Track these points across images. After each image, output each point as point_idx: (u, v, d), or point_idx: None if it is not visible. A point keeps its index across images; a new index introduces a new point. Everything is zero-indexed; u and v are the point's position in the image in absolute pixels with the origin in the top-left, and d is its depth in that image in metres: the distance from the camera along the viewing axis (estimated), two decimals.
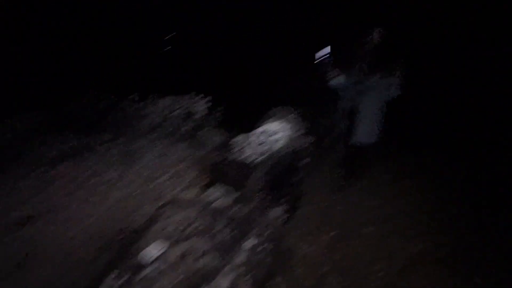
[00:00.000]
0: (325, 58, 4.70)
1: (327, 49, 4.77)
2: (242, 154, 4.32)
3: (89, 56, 9.72)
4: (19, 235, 3.51)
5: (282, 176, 3.80)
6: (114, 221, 3.77)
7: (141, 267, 1.93)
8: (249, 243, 2.46)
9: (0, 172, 4.95)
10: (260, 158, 4.17)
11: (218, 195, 3.57)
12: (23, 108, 7.09)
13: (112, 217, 3.87)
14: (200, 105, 6.78)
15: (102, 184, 4.65)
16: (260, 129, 4.80)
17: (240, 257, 2.30)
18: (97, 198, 4.31)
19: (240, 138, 4.62)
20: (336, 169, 5.09)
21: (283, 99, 6.52)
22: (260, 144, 4.34)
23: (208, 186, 4.46)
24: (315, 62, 4.72)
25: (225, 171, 4.36)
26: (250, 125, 5.35)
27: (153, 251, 2.01)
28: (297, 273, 2.79)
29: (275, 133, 4.64)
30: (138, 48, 11.56)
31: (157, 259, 1.97)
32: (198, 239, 2.23)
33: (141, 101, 6.89)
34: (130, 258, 1.98)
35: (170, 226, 2.28)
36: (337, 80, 4.74)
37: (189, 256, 2.09)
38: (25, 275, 2.95)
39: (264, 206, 3.15)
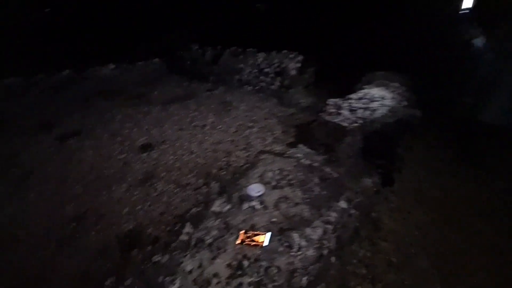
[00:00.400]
0: (463, 13, 3.69)
1: (469, 2, 3.73)
2: (336, 117, 4.15)
3: (197, 13, 10.49)
4: (143, 158, 4.46)
5: (378, 146, 3.52)
6: (213, 159, 4.33)
7: (243, 201, 2.23)
8: (338, 205, 2.48)
9: (131, 106, 6.23)
10: (355, 124, 3.92)
11: (307, 154, 3.63)
12: (147, 56, 8.54)
13: (211, 156, 4.44)
14: (293, 64, 6.60)
15: (202, 127, 5.32)
16: (358, 94, 4.42)
17: (329, 216, 2.37)
18: (199, 137, 4.99)
19: (335, 100, 4.40)
20: (442, 149, 4.37)
21: (388, 62, 5.70)
22: (356, 109, 4.03)
23: (295, 143, 4.57)
24: (450, 16, 3.77)
25: (314, 131, 4.33)
26: (348, 88, 4.99)
27: (254, 190, 2.27)
28: (383, 246, 2.72)
29: (375, 100, 4.20)
30: (236, 4, 11.71)
31: (257, 198, 2.23)
32: (292, 190, 2.38)
33: (238, 55, 7.17)
34: (234, 192, 2.30)
35: (268, 174, 2.47)
36: (474, 41, 3.76)
37: (283, 203, 2.28)
38: (148, 189, 3.80)
39: (356, 173, 3.05)
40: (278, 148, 4.70)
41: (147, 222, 3.21)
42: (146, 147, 4.69)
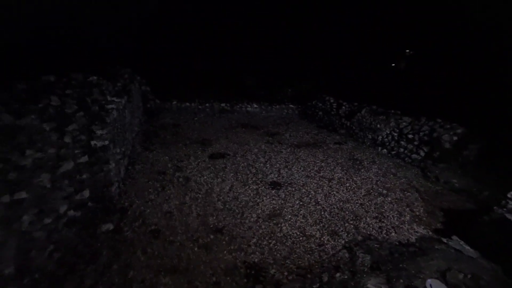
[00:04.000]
0: None
1: None
2: None
3: (337, 68, 11.28)
4: (272, 194, 4.69)
5: None
6: (340, 218, 4.11)
7: None
8: None
9: (265, 142, 6.94)
10: None
11: (470, 252, 2.83)
12: (284, 100, 9.65)
13: (338, 214, 4.23)
14: (447, 135, 5.72)
15: (330, 180, 5.22)
16: None
17: None
18: (325, 190, 4.89)
19: None
20: None
21: None
22: None
23: (447, 232, 3.72)
24: None
25: (485, 229, 3.41)
26: None
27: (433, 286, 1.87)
28: None
29: None
30: (375, 62, 11.78)
31: None
32: None
33: (378, 115, 6.93)
34: (397, 276, 1.96)
35: (457, 274, 2.00)
36: None
37: None
38: (274, 227, 3.89)
39: None
40: (420, 230, 3.98)
41: (271, 261, 3.26)
42: (276, 184, 4.99)
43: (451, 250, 2.36)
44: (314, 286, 2.38)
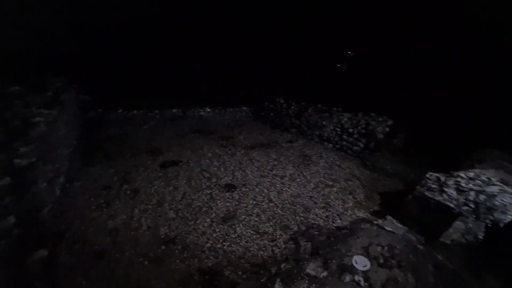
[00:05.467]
0: None
1: None
2: (438, 195, 3.71)
3: (285, 71, 11.80)
4: (226, 197, 4.72)
5: (506, 242, 2.89)
6: (291, 212, 4.32)
7: (344, 271, 2.07)
8: None
9: (219, 146, 6.92)
10: (465, 207, 3.41)
11: (398, 228, 3.25)
12: (237, 103, 9.75)
13: (290, 208, 4.44)
14: (380, 127, 6.42)
15: (282, 177, 5.44)
16: (468, 173, 3.90)
17: None
18: (278, 187, 5.08)
19: (437, 175, 3.98)
20: None
21: (503, 139, 4.98)
22: (467, 191, 3.53)
23: (382, 213, 4.19)
24: None
25: (409, 205, 3.92)
26: (452, 163, 4.48)
27: (358, 263, 2.08)
28: None
29: (493, 184, 3.61)
30: (320, 62, 12.66)
31: (361, 272, 2.03)
32: (403, 273, 2.08)
33: (322, 113, 7.44)
34: (332, 257, 2.16)
35: (376, 248, 2.27)
36: None
37: (393, 287, 1.99)
38: (228, 229, 3.92)
39: (476, 269, 2.49)
40: (360, 214, 4.40)
41: (226, 263, 3.28)
42: (230, 187, 5.02)
43: (373, 228, 2.69)
44: (262, 280, 2.47)
